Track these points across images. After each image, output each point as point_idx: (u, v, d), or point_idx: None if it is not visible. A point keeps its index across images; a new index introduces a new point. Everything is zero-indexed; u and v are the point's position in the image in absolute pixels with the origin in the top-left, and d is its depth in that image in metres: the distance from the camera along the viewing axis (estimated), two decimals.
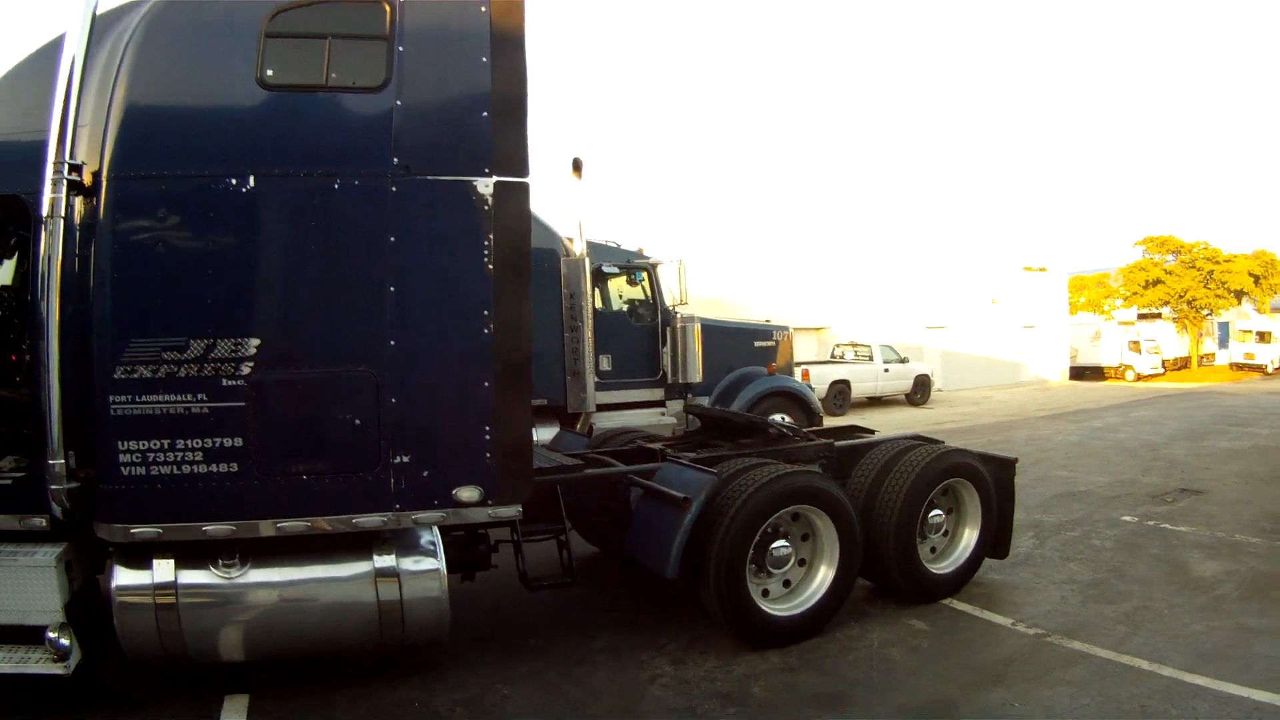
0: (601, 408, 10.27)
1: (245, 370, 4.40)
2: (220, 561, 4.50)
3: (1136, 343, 35.58)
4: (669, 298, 11.57)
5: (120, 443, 4.35)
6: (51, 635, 4.41)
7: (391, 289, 4.55)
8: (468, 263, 4.63)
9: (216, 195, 4.44)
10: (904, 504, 5.97)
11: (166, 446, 4.37)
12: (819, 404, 13.14)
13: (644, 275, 11.55)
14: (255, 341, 4.43)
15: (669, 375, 11.32)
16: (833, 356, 25.71)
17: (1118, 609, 6.03)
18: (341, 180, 4.53)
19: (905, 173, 33.26)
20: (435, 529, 4.79)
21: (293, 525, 4.48)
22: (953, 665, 5.20)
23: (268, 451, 4.47)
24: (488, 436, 4.65)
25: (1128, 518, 8.81)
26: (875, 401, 24.50)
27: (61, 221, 4.28)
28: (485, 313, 4.62)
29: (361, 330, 4.55)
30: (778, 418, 11.78)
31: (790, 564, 5.61)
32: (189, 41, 4.60)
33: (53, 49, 4.57)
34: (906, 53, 74.59)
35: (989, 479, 6.48)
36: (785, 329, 13.44)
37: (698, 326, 11.28)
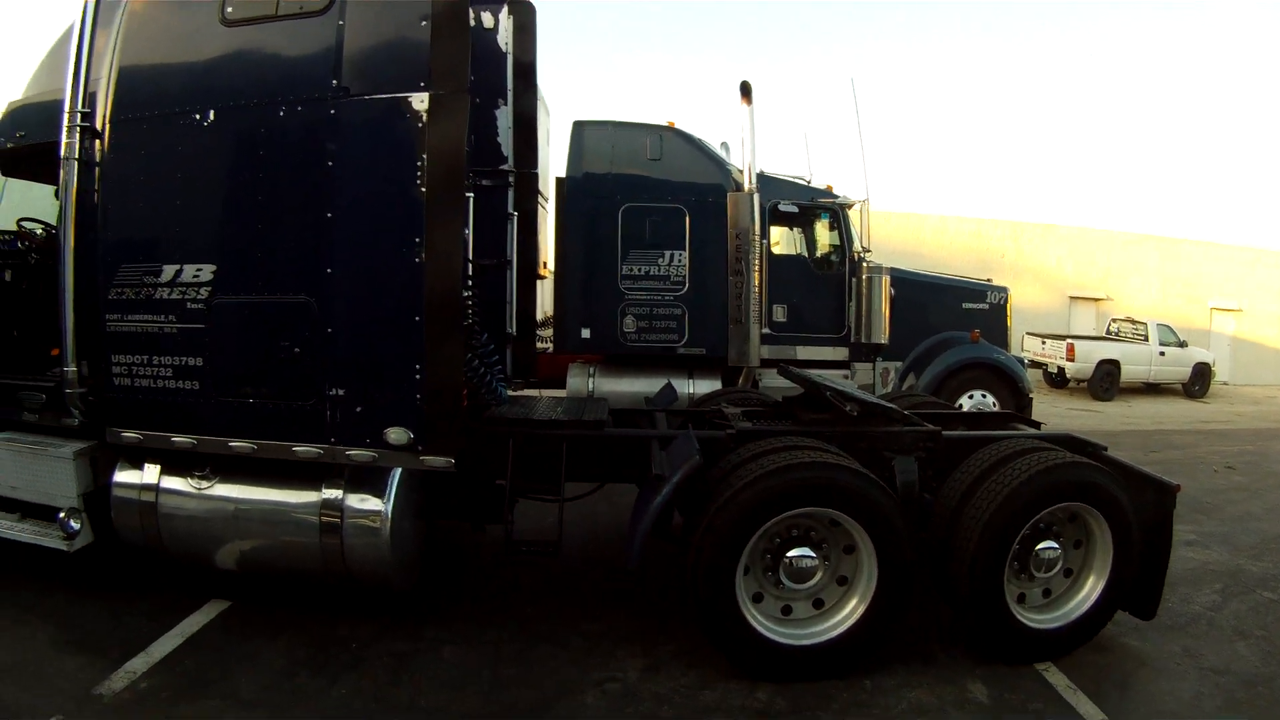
0: (771, 364, 9.71)
1: (204, 294, 5.00)
2: (195, 473, 5.26)
3: None
4: (857, 244, 10.66)
5: (112, 356, 5.23)
6: (61, 516, 5.53)
7: (329, 215, 4.82)
8: (400, 185, 4.73)
9: (182, 130, 5.04)
10: (989, 525, 4.91)
11: (145, 362, 5.16)
12: (1029, 383, 11.56)
13: (829, 216, 10.68)
14: (212, 268, 5.00)
15: (853, 333, 10.54)
16: (1108, 333, 23.13)
17: None
18: (286, 107, 4.89)
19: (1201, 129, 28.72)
20: (397, 472, 5.09)
21: (241, 445, 5.05)
22: None
23: (221, 372, 5.07)
24: (417, 376, 4.79)
25: None
26: (1150, 389, 21.71)
27: (76, 163, 5.20)
28: (417, 240, 4.70)
29: (301, 258, 4.91)
30: (978, 395, 10.79)
31: (817, 578, 4.95)
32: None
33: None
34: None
35: (1128, 508, 5.17)
36: (1003, 290, 11.90)
37: (886, 278, 10.35)
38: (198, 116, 5.01)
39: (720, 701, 4.66)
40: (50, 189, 6.70)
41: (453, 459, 4.88)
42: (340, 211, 4.80)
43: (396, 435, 4.83)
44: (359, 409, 4.87)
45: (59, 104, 5.50)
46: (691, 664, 5.00)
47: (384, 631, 5.35)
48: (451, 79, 4.73)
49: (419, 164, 4.68)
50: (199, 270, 4.98)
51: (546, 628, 5.47)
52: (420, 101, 4.67)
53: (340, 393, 4.87)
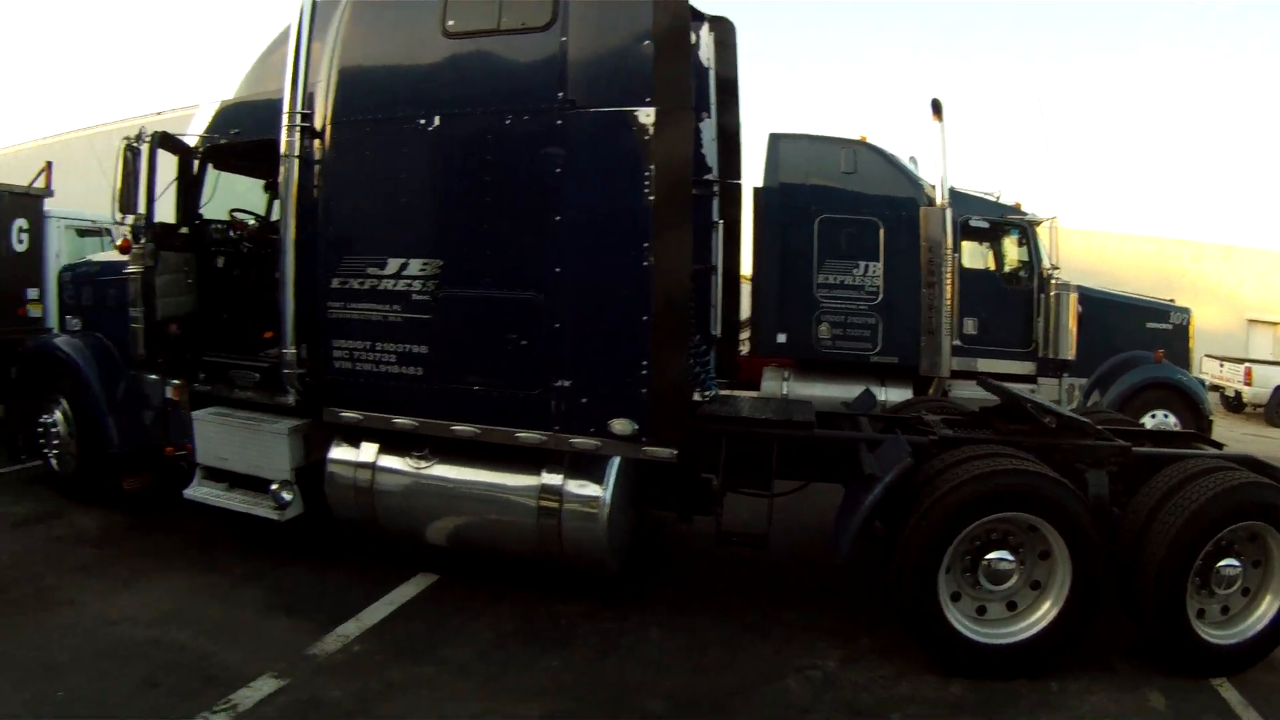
0: (960, 375, 10.01)
1: (431, 287, 5.34)
2: (414, 453, 5.61)
3: None
4: (1046, 261, 10.83)
5: (333, 341, 5.61)
6: (274, 488, 5.97)
7: (557, 218, 5.11)
8: (628, 194, 4.98)
9: (406, 134, 5.39)
10: (1175, 540, 5.01)
11: (368, 348, 5.52)
12: (1210, 405, 11.63)
13: (1018, 233, 10.90)
14: (439, 262, 5.34)
15: (1040, 349, 10.70)
16: None
17: None
18: (512, 116, 5.18)
19: None
20: (615, 461, 5.38)
21: (464, 429, 5.39)
22: None
23: (447, 360, 5.41)
24: (644, 371, 5.05)
25: None
26: None
27: (296, 160, 5.62)
28: (645, 245, 4.97)
29: (529, 257, 5.20)
30: (1160, 415, 10.89)
31: (1012, 581, 5.09)
32: (385, 9, 5.61)
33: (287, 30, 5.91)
34: None
35: None
36: (1186, 311, 11.97)
37: (1073, 295, 10.48)
38: (422, 121, 5.34)
39: (915, 693, 4.89)
40: (251, 182, 7.13)
41: (676, 450, 5.13)
42: (569, 216, 5.07)
43: (621, 426, 5.09)
44: (584, 400, 5.15)
45: (272, 104, 5.90)
46: (888, 657, 5.24)
47: (592, 612, 5.65)
48: (675, 94, 4.97)
49: (646, 174, 4.91)
50: (425, 265, 5.31)
51: (749, 617, 5.73)
52: (646, 115, 4.89)
53: (566, 384, 5.15)
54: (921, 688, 4.93)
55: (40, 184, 11.03)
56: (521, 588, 5.92)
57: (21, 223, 10.64)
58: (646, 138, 4.90)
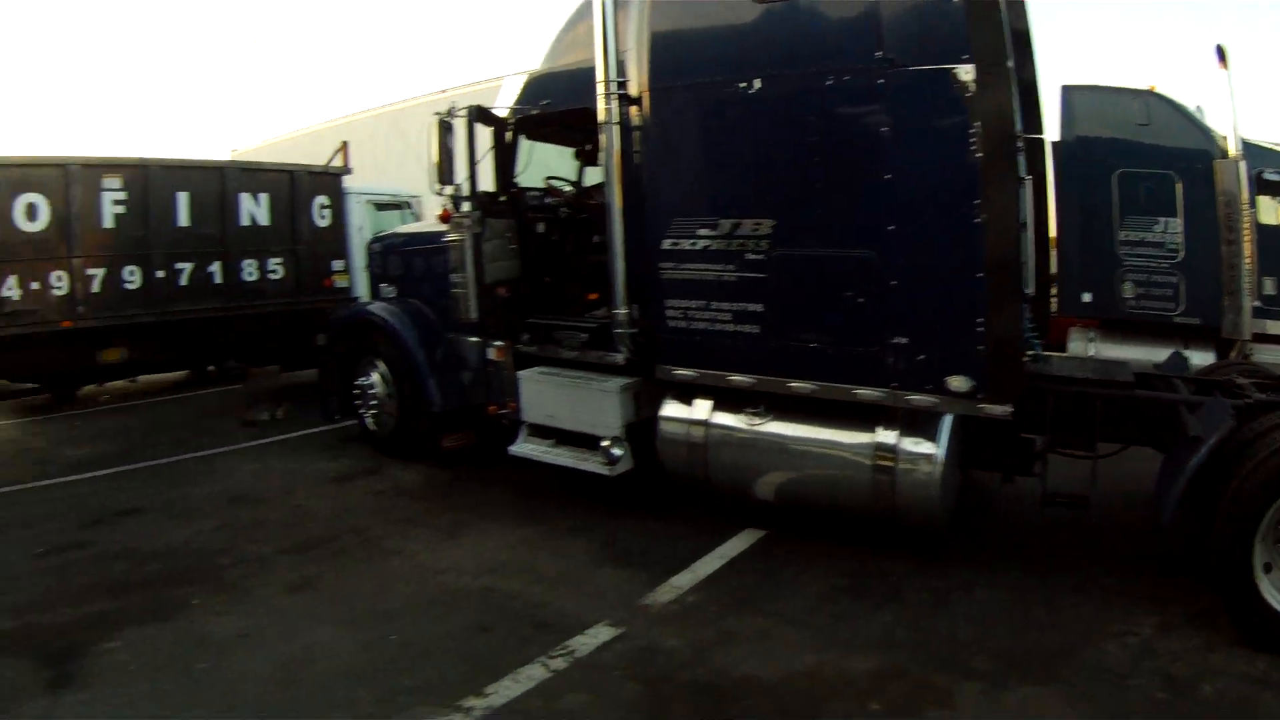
0: (1264, 339, 9.83)
1: (764, 246, 5.80)
2: (748, 410, 6.11)
3: None
4: None
5: (666, 301, 6.19)
6: (604, 444, 6.62)
7: (886, 177, 5.43)
8: (955, 152, 5.23)
9: (727, 97, 5.87)
10: None
11: (703, 307, 6.07)
12: None
13: None
14: (771, 222, 5.78)
15: None
16: None
17: None
18: (833, 76, 5.53)
19: None
20: (948, 419, 5.69)
21: (801, 386, 5.84)
22: None
23: (782, 319, 5.86)
24: (979, 328, 5.33)
25: None
26: None
27: (615, 127, 6.21)
28: (975, 202, 5.21)
29: (861, 216, 5.57)
30: None
31: None
32: None
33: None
34: None
35: None
36: None
37: None
38: (743, 85, 5.76)
39: (1225, 665, 4.89)
40: (558, 151, 7.89)
41: (1011, 407, 5.38)
42: (898, 174, 5.38)
43: (958, 383, 5.39)
44: (921, 357, 5.46)
45: (577, 75, 6.55)
46: (1200, 626, 5.27)
47: (919, 568, 5.96)
48: (991, 50, 5.17)
49: (971, 131, 5.14)
50: (757, 224, 5.77)
51: (1069, 578, 5.90)
52: (966, 73, 5.11)
53: (903, 341, 5.48)
54: (1231, 660, 4.92)
55: (338, 162, 12.67)
56: (846, 544, 6.29)
57: (322, 199, 12.18)
58: (968, 95, 5.12)
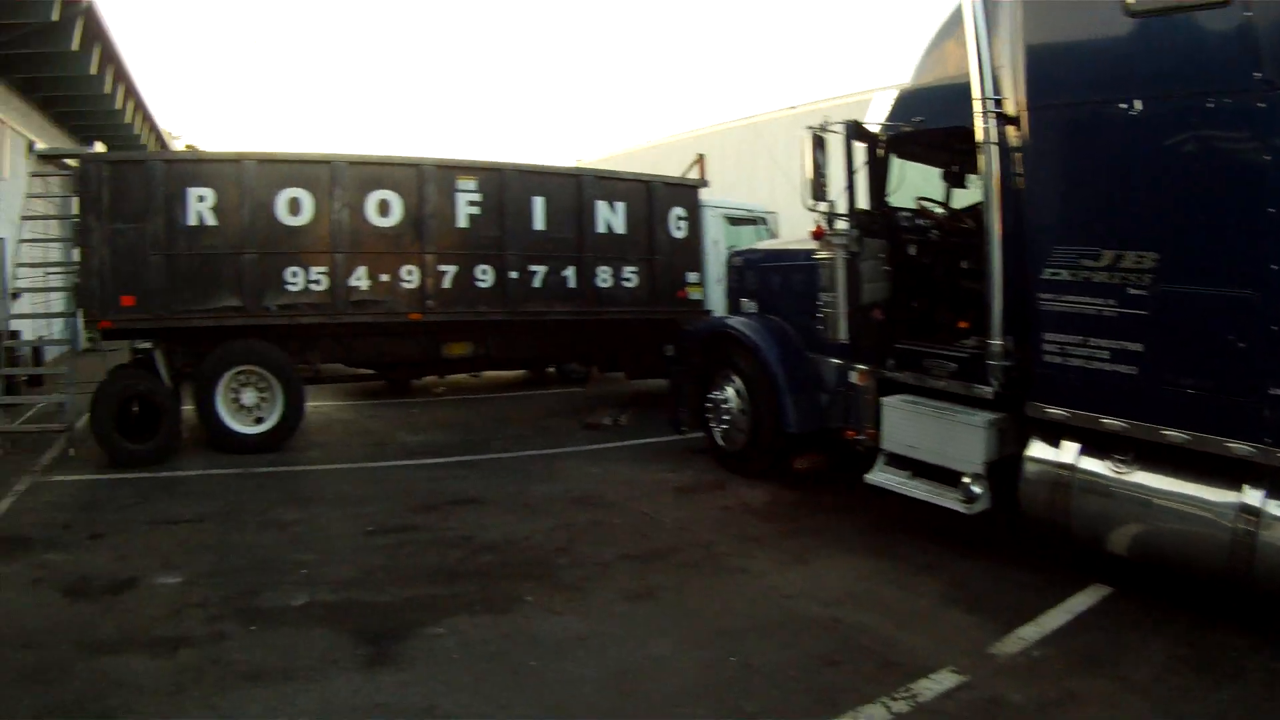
0: None
1: (1146, 281, 5.76)
2: (1115, 456, 6.08)
3: None
4: None
5: (1044, 334, 6.26)
6: (965, 480, 6.75)
7: (1270, 210, 5.23)
8: None
9: (1108, 118, 5.88)
10: None
11: (1080, 342, 6.12)
12: None
13: None
14: (1154, 256, 5.72)
15: None
16: None
17: None
18: (1212, 98, 5.41)
19: None
20: None
21: (1174, 435, 5.73)
22: None
23: (1161, 360, 5.79)
24: None
25: None
26: None
27: (994, 147, 6.34)
28: None
29: (1243, 251, 5.42)
30: None
31: None
32: None
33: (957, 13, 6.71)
34: None
35: None
36: None
37: None
38: (1124, 105, 5.73)
39: None
40: (924, 170, 8.11)
41: None
42: None
43: None
44: None
45: (948, 91, 6.73)
46: None
47: (1260, 644, 5.73)
48: None
49: None
50: (1140, 257, 5.73)
51: None
52: None
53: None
54: None
55: (695, 175, 13.70)
56: (1184, 606, 6.14)
57: (679, 210, 13.04)
58: None
